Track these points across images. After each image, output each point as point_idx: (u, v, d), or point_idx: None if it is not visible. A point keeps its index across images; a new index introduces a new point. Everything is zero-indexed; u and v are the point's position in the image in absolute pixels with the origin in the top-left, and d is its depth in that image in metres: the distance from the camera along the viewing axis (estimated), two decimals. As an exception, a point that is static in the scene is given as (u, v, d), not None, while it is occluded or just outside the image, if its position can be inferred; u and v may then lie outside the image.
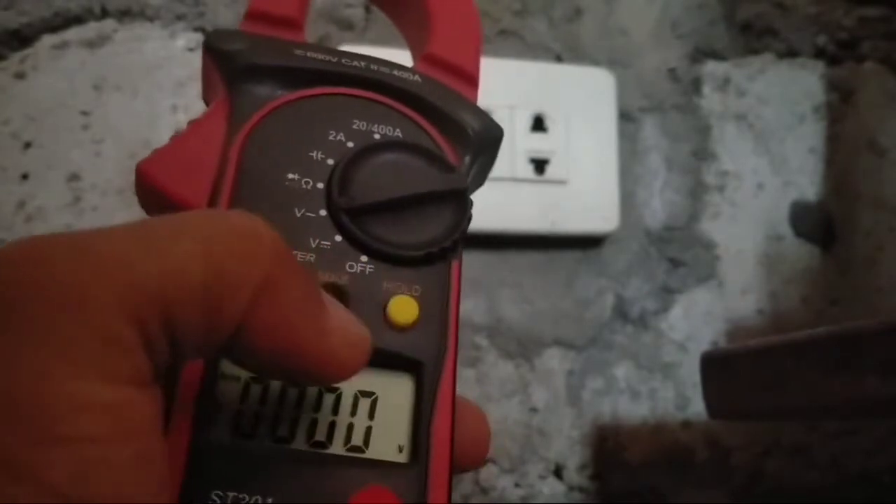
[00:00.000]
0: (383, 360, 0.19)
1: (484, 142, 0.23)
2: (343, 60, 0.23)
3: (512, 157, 0.48)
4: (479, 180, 0.24)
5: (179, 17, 0.46)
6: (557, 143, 0.50)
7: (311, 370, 0.17)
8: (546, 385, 0.50)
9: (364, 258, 0.20)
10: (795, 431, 0.55)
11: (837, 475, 0.55)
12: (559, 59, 0.53)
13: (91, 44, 0.45)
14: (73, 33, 0.45)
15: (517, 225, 0.49)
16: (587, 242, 0.52)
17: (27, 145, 0.43)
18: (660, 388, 0.52)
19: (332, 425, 0.19)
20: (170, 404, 0.17)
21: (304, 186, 0.20)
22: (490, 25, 0.52)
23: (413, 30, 0.26)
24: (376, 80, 0.23)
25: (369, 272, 0.20)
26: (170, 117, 0.45)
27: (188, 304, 0.15)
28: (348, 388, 0.19)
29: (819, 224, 0.57)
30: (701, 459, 0.53)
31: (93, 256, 0.14)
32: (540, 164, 0.49)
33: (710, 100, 0.57)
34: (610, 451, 0.51)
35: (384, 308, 0.20)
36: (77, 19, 0.45)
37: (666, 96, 0.55)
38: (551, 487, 0.49)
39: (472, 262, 0.49)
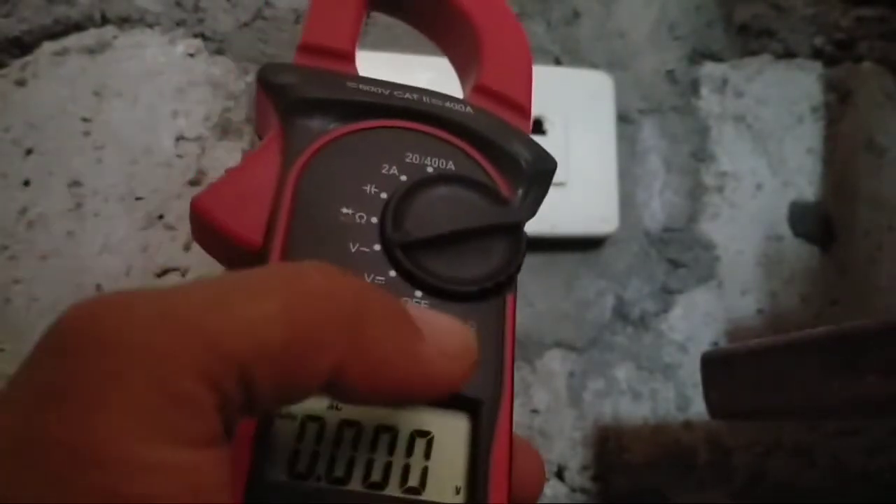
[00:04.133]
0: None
1: (537, 174, 0.24)
2: (395, 93, 0.23)
3: (511, 159, 0.48)
4: (532, 211, 0.24)
5: (179, 24, 0.47)
6: (556, 146, 0.50)
7: (414, 396, 0.17)
8: (547, 386, 0.50)
9: (419, 293, 0.20)
10: (796, 431, 0.55)
11: (838, 475, 0.55)
12: (558, 61, 0.53)
13: (91, 50, 0.45)
14: (73, 40, 0.45)
15: (517, 227, 0.49)
16: (587, 244, 0.52)
17: (28, 152, 0.43)
18: (661, 388, 0.52)
19: (389, 466, 0.18)
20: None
21: (359, 221, 0.20)
22: (488, 29, 0.52)
23: (463, 59, 0.26)
24: (428, 112, 0.23)
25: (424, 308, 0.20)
26: (170, 123, 0.45)
27: (267, 367, 0.14)
28: (405, 427, 0.19)
29: (818, 224, 0.58)
30: (702, 460, 0.53)
31: (170, 317, 0.14)
32: (539, 167, 0.49)
33: (709, 101, 0.57)
34: (611, 452, 0.51)
35: None
36: (77, 26, 0.45)
37: (664, 98, 0.56)
38: (553, 489, 0.49)
39: (472, 265, 0.50)
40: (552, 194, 0.50)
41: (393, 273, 0.20)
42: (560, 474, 0.50)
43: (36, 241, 0.42)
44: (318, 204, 0.20)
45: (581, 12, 0.54)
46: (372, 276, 0.20)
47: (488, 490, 0.18)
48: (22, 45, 0.44)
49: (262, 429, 0.18)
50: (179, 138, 0.45)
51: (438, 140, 0.22)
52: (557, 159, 0.49)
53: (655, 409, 0.52)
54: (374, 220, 0.20)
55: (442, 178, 0.21)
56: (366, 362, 0.15)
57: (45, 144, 0.43)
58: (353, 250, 0.20)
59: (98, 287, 0.43)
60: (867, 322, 0.33)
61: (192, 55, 0.46)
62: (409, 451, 0.19)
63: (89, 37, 0.45)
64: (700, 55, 0.57)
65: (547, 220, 0.49)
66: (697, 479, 0.52)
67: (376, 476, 0.18)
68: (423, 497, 0.18)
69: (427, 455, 0.19)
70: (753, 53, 0.58)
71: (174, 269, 0.44)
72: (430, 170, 0.22)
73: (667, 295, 0.54)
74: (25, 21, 0.44)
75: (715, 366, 0.42)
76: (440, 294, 0.20)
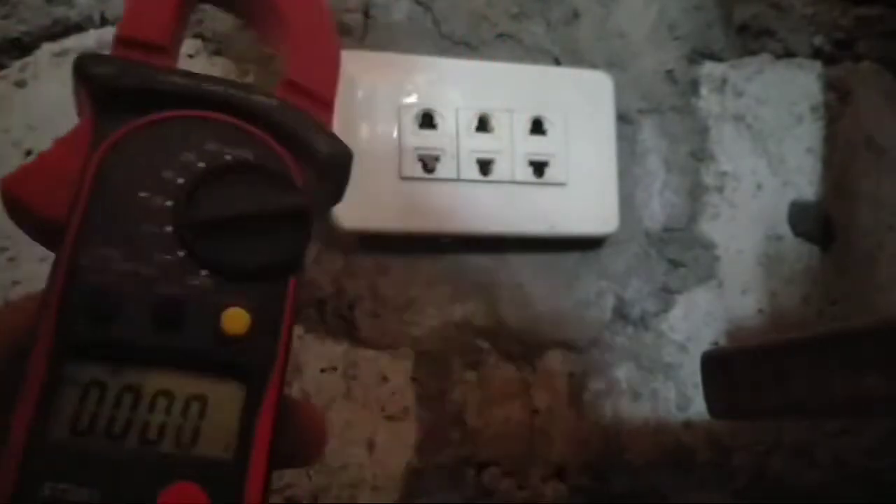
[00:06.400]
0: (215, 366, 0.21)
1: (333, 164, 0.25)
2: (203, 84, 0.24)
3: (511, 160, 0.48)
4: (333, 200, 0.26)
5: (179, 24, 0.47)
6: (556, 146, 0.50)
7: None
8: (547, 387, 0.50)
9: (204, 272, 0.22)
10: (797, 431, 0.55)
11: (839, 474, 0.55)
12: (557, 62, 0.53)
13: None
14: (72, 41, 0.45)
15: (517, 227, 0.49)
16: (587, 244, 0.52)
17: (28, 153, 0.43)
18: (661, 388, 0.52)
19: (164, 425, 0.20)
20: (12, 405, 0.19)
21: (154, 203, 0.22)
22: (488, 29, 0.52)
23: (280, 51, 0.27)
24: (233, 103, 0.24)
25: (208, 286, 0.21)
26: (170, 124, 0.45)
27: None
28: (181, 392, 0.21)
29: (818, 223, 0.58)
30: (703, 459, 0.53)
31: None
32: (539, 167, 0.49)
33: (708, 101, 0.57)
34: (612, 452, 0.51)
35: (218, 319, 0.21)
36: (77, 27, 0.45)
37: (664, 98, 0.56)
38: (554, 489, 0.49)
39: (472, 265, 0.50)
40: (552, 194, 0.50)
41: (182, 253, 0.21)
42: (560, 474, 0.50)
43: (35, 243, 0.42)
44: (117, 186, 0.22)
45: (581, 12, 0.54)
46: (162, 255, 0.21)
47: (252, 447, 0.20)
48: (21, 47, 0.44)
49: (46, 393, 0.19)
50: (179, 139, 0.45)
51: (240, 130, 0.24)
52: (557, 159, 0.50)
53: (656, 409, 0.52)
54: (169, 203, 0.22)
55: (237, 165, 0.23)
56: None
57: (45, 146, 0.43)
58: (145, 230, 0.21)
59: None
60: (867, 322, 0.33)
61: (191, 55, 0.46)
62: (185, 412, 0.21)
63: (89, 38, 0.45)
64: (699, 55, 0.57)
65: (547, 220, 0.49)
66: (697, 479, 0.52)
67: (152, 434, 0.20)
68: (195, 452, 0.20)
69: (201, 416, 0.21)
70: (753, 53, 0.58)
71: (174, 270, 0.44)
72: (228, 158, 0.23)
73: (667, 295, 0.54)
74: (25, 22, 0.44)
75: (715, 366, 0.42)
76: (224, 273, 0.22)
